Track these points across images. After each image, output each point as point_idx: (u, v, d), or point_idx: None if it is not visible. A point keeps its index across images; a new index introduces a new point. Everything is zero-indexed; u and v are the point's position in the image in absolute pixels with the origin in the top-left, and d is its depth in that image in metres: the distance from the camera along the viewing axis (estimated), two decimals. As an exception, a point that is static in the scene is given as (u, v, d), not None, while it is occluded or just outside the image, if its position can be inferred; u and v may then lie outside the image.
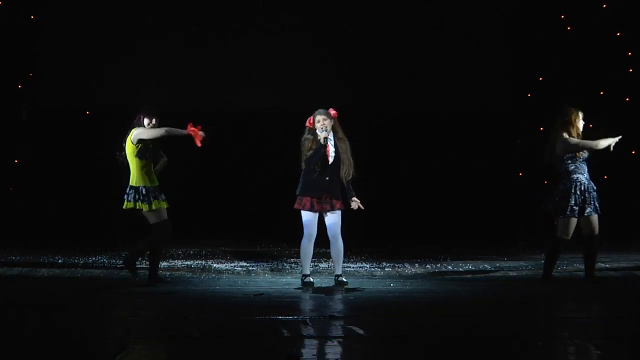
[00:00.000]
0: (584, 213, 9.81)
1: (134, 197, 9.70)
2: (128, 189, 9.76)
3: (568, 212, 9.79)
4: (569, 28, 14.61)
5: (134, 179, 9.75)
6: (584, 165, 9.92)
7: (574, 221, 9.85)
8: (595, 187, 9.95)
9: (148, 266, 10.14)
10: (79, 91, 14.35)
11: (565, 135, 9.91)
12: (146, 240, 9.90)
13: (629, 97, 14.59)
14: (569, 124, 9.95)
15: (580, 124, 9.99)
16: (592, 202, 9.85)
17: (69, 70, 14.32)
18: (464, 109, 14.71)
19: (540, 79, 14.62)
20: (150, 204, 9.69)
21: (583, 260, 10.09)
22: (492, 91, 14.67)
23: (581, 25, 14.49)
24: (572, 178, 9.86)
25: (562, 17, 14.60)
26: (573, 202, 9.81)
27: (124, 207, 9.81)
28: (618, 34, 14.53)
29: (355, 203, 9.80)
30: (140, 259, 10.46)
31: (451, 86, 14.64)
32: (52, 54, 14.41)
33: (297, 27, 14.64)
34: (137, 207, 9.71)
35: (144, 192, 9.71)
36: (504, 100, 14.69)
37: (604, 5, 14.51)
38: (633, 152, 14.56)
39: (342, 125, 9.92)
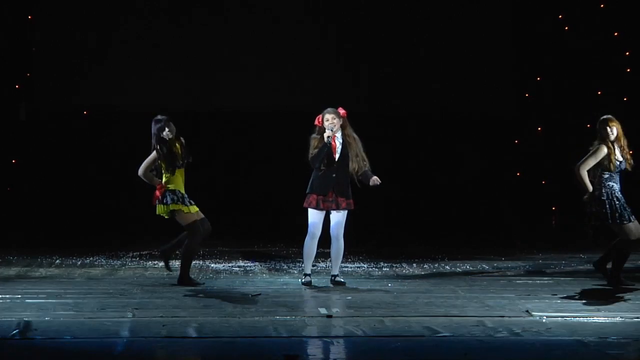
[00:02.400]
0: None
1: (172, 199, 9.72)
2: (167, 194, 9.77)
3: (617, 219, 9.71)
4: (566, 28, 14.59)
5: (172, 183, 9.78)
6: (618, 176, 9.85)
7: (634, 225, 9.73)
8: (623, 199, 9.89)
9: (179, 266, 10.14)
10: (77, 91, 14.32)
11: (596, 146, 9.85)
12: (187, 242, 9.89)
13: (627, 97, 14.58)
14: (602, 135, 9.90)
15: (609, 131, 9.86)
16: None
17: (67, 70, 14.28)
18: (464, 110, 14.69)
19: (538, 79, 14.61)
20: (187, 206, 9.74)
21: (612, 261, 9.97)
22: (489, 91, 14.65)
23: (579, 25, 14.48)
24: (607, 185, 9.79)
25: (560, 17, 14.58)
26: (615, 208, 9.73)
27: (158, 212, 9.82)
28: (616, 34, 14.52)
29: (375, 180, 9.71)
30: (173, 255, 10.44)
31: (450, 87, 14.62)
32: (50, 53, 14.38)
33: (297, 29, 14.60)
34: (174, 209, 9.71)
35: (180, 195, 9.76)
36: (501, 101, 14.68)
37: (602, 5, 14.50)
38: (631, 153, 14.53)
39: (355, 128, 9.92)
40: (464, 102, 14.63)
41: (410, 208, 14.56)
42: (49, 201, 14.16)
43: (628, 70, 14.54)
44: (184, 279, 9.89)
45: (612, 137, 9.87)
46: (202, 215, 9.93)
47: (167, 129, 9.83)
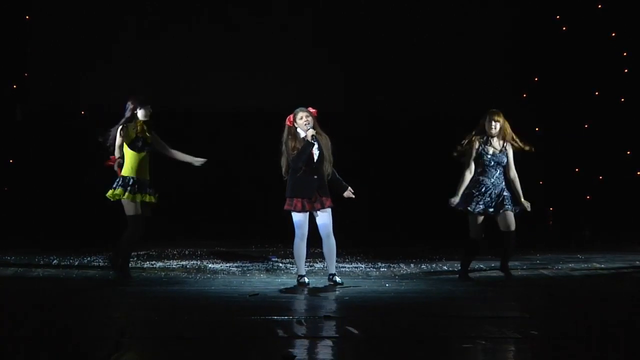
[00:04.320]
0: (490, 213, 10.01)
1: (118, 184, 9.84)
2: (117, 179, 9.90)
3: (471, 209, 10.03)
4: (564, 28, 14.58)
5: (125, 169, 9.87)
6: (492, 170, 10.03)
7: (479, 219, 10.06)
8: (505, 190, 10.06)
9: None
10: (73, 91, 14.29)
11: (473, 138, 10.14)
12: (123, 236, 9.96)
13: (624, 98, 14.58)
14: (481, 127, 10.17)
15: (489, 125, 10.08)
16: (496, 203, 9.98)
17: (63, 69, 14.23)
18: (459, 110, 14.64)
19: (536, 79, 14.59)
20: (130, 193, 9.80)
21: (501, 255, 10.30)
22: (485, 91, 14.59)
23: (576, 26, 14.46)
24: (478, 179, 10.07)
25: (558, 17, 14.57)
26: (475, 201, 10.02)
27: (107, 195, 9.94)
28: (613, 34, 14.51)
29: (350, 193, 9.79)
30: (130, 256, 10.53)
31: (445, 87, 14.57)
32: (46, 53, 14.34)
33: (289, 27, 14.55)
34: (116, 195, 9.85)
35: (130, 182, 9.83)
36: (498, 101, 14.62)
37: (599, 6, 14.49)
38: (628, 153, 14.56)
39: (337, 128, 9.89)
40: (460, 102, 14.56)
41: (407, 208, 14.51)
42: (46, 201, 14.10)
43: (625, 70, 14.54)
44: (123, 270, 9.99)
45: (491, 132, 10.08)
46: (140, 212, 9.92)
47: (143, 109, 9.92)
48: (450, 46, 14.57)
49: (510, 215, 10.03)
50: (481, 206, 9.99)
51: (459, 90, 14.57)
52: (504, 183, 10.11)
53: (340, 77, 14.47)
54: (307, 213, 9.69)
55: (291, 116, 9.75)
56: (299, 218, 9.67)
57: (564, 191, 14.37)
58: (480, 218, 10.07)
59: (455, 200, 10.09)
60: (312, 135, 9.60)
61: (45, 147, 14.18)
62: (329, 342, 6.96)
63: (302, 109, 9.73)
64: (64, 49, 14.25)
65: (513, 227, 10.04)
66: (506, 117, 10.21)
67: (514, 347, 6.84)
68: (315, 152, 9.69)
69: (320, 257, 10.98)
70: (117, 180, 9.88)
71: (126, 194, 9.84)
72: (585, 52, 14.36)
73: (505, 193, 10.06)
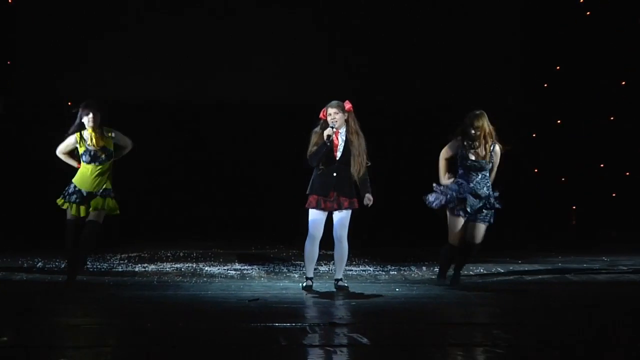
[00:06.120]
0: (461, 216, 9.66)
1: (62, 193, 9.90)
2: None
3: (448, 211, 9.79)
4: (588, 13, 14.22)
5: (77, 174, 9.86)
6: (472, 174, 9.63)
7: (453, 220, 9.72)
8: (487, 198, 9.63)
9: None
10: (58, 81, 14.28)
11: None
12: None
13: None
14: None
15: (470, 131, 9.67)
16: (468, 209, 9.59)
17: (48, 60, 14.17)
18: (478, 102, 14.45)
19: (558, 67, 14.22)
20: (62, 199, 9.82)
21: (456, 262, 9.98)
22: (505, 82, 14.32)
23: (601, 11, 14.24)
24: (457, 181, 9.69)
25: (582, 1, 14.23)
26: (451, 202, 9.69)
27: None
28: (640, 21, 14.24)
29: (367, 200, 9.40)
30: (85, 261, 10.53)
31: (465, 80, 14.46)
32: (30, 42, 14.28)
33: (296, 21, 14.51)
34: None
35: (69, 189, 9.83)
36: (517, 92, 14.33)
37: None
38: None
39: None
40: (479, 93, 14.41)
41: (419, 209, 14.24)
42: (29, 199, 13.84)
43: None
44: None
45: (473, 134, 9.69)
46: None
47: (87, 116, 9.61)
48: (465, 37, 14.57)
49: (481, 228, 9.64)
50: (460, 209, 9.62)
51: (472, 84, 14.37)
52: (487, 189, 9.67)
53: (342, 74, 14.38)
54: (324, 214, 9.39)
55: (325, 110, 9.42)
56: (313, 216, 9.39)
57: (588, 188, 14.02)
58: (460, 220, 9.70)
59: (430, 197, 9.79)
60: (328, 136, 9.28)
61: (28, 141, 13.91)
62: (335, 351, 6.68)
63: (334, 103, 9.38)
64: (50, 40, 14.17)
65: (478, 240, 9.66)
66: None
67: (529, 354, 6.59)
68: (339, 149, 9.37)
69: (327, 259, 10.93)
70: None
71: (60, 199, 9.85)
72: (610, 39, 14.06)
73: (488, 203, 9.62)
